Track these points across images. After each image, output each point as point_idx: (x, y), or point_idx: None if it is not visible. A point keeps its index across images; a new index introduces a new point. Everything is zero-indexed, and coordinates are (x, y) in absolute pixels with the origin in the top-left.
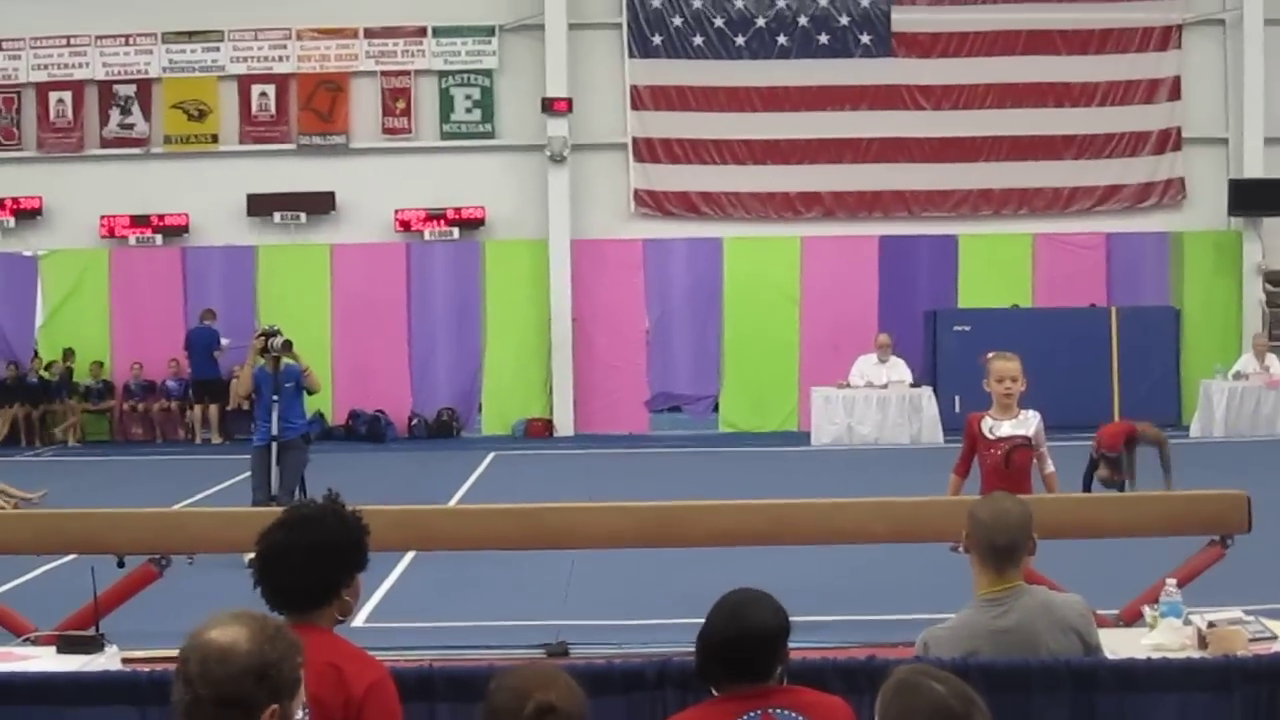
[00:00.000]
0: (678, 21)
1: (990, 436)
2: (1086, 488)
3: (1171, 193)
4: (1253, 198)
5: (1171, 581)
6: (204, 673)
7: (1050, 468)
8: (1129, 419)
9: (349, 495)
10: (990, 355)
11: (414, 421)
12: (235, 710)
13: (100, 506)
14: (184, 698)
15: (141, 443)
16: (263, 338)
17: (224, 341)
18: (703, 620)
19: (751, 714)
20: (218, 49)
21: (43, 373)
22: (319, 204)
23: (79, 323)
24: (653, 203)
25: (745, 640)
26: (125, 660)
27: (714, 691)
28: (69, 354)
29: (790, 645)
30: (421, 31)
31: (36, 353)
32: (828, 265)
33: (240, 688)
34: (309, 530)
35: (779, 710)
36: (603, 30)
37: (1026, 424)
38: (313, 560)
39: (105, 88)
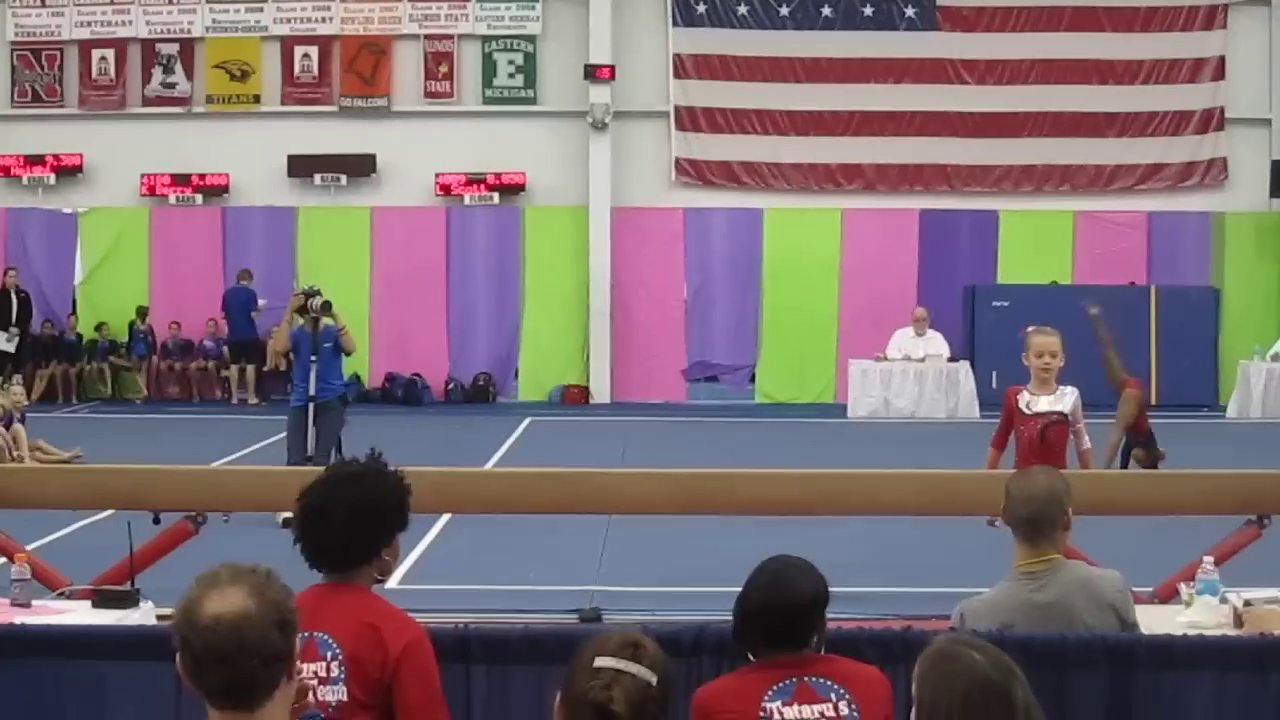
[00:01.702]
0: None
1: (1027, 412)
2: (1124, 465)
3: (1214, 173)
4: None
5: (1208, 559)
6: (242, 645)
7: (1086, 444)
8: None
9: (385, 457)
10: (1030, 329)
11: (450, 386)
12: (281, 664)
13: (137, 464)
14: (226, 676)
15: (178, 401)
16: (302, 297)
17: (261, 302)
18: (738, 588)
19: (787, 681)
20: (261, 9)
21: (92, 333)
22: (360, 166)
23: (118, 281)
24: (694, 172)
25: (785, 607)
26: (160, 617)
27: (750, 657)
28: (144, 312)
29: (826, 616)
30: None
31: (75, 310)
32: (868, 238)
33: (275, 643)
34: (351, 488)
35: (815, 679)
36: None
37: (1064, 400)
38: (354, 519)
39: (148, 46)
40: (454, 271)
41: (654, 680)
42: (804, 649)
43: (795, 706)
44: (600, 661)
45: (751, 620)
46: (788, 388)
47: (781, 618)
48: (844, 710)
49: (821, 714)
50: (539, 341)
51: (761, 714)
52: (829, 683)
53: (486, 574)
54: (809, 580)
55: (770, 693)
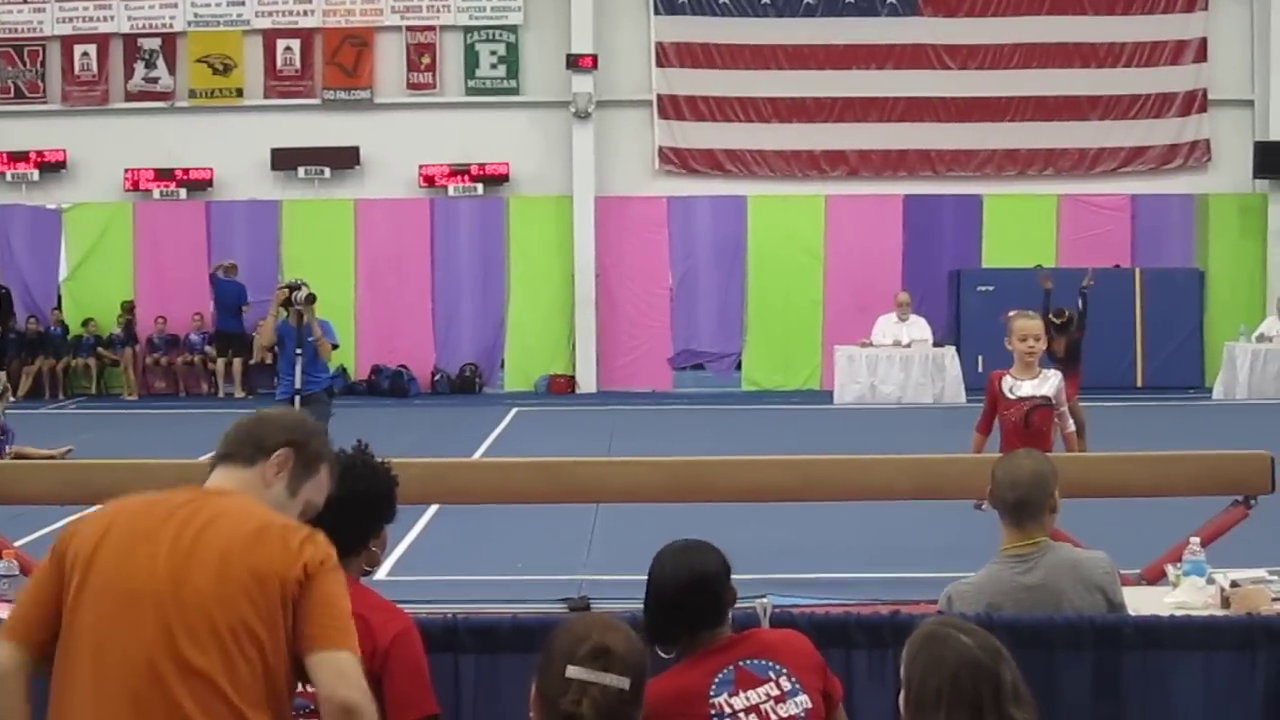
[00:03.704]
0: None
1: (1010, 396)
2: None
3: (1197, 155)
4: (1278, 160)
5: (1195, 540)
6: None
7: (1071, 427)
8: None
9: (373, 449)
10: (1012, 314)
11: (437, 377)
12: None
13: (123, 459)
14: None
15: (164, 396)
16: (286, 290)
17: (250, 302)
18: (704, 576)
19: (725, 671)
20: (243, 3)
21: (78, 328)
22: (343, 159)
23: (103, 277)
24: (677, 160)
25: (700, 587)
26: None
27: (662, 653)
28: (129, 307)
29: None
30: None
31: (59, 306)
32: (852, 224)
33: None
34: (339, 480)
35: (749, 661)
36: None
37: (1047, 383)
38: (341, 510)
39: (130, 41)
40: (439, 263)
41: (626, 686)
42: (722, 627)
43: (741, 695)
44: (571, 672)
45: (672, 610)
46: (774, 374)
47: (699, 597)
48: (786, 685)
49: (768, 694)
50: (525, 332)
51: (712, 710)
52: (763, 662)
53: (474, 564)
54: (711, 555)
55: (714, 687)
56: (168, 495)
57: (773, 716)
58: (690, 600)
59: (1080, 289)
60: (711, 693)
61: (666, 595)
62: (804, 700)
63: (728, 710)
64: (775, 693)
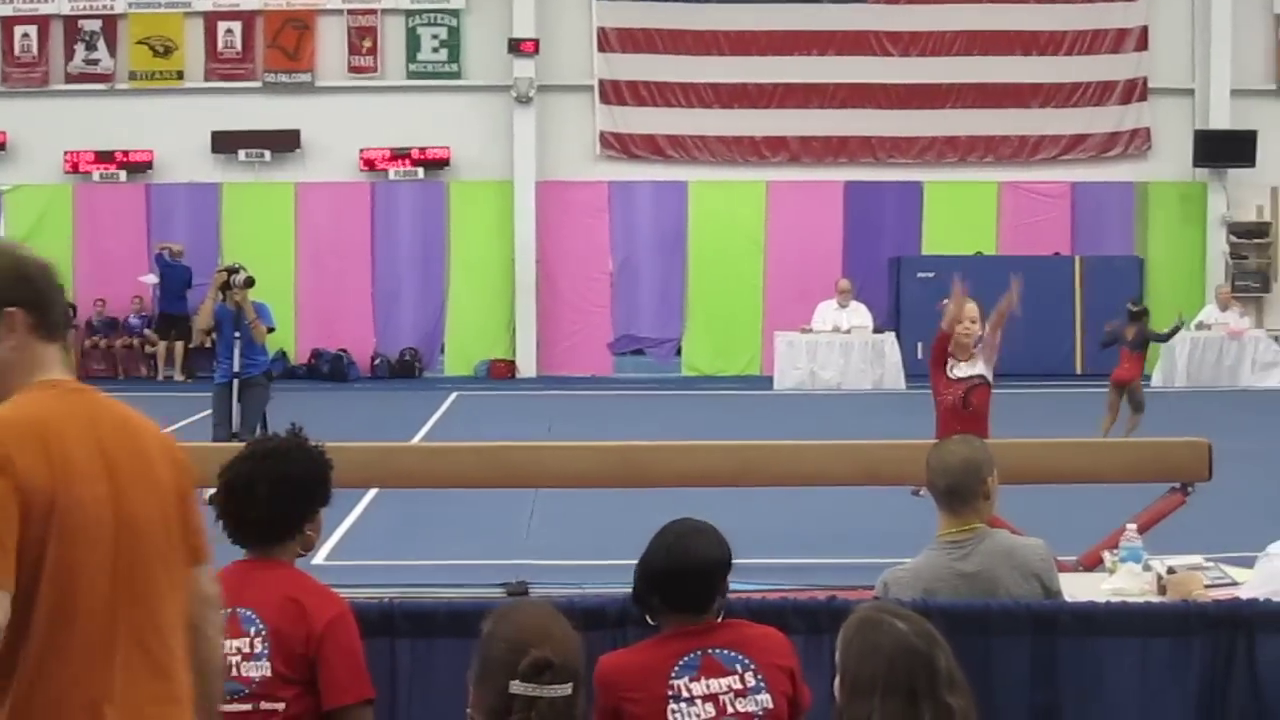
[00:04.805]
0: None
1: (950, 376)
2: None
3: (1137, 143)
4: (1218, 149)
5: (1131, 527)
6: None
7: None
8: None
9: (311, 433)
10: (948, 300)
11: (377, 361)
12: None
13: None
14: None
15: (103, 379)
16: (225, 274)
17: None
18: (697, 563)
19: (692, 655)
20: None
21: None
22: (284, 142)
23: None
24: (618, 145)
25: (687, 572)
26: None
27: (649, 620)
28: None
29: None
30: None
31: None
32: (793, 210)
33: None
34: (274, 463)
35: (719, 650)
36: None
37: (980, 363)
38: (277, 494)
39: (70, 23)
40: (379, 247)
41: (569, 691)
42: (705, 615)
43: (703, 681)
44: (515, 688)
45: (654, 584)
46: (714, 360)
47: (683, 582)
48: (750, 681)
49: (729, 687)
50: (465, 316)
51: (670, 692)
52: (733, 653)
53: (412, 549)
54: (712, 544)
55: (677, 668)
56: (67, 405)
57: (729, 709)
58: (674, 583)
59: (1177, 323)
60: (673, 674)
61: (652, 573)
62: (765, 700)
63: (685, 694)
64: (737, 686)
